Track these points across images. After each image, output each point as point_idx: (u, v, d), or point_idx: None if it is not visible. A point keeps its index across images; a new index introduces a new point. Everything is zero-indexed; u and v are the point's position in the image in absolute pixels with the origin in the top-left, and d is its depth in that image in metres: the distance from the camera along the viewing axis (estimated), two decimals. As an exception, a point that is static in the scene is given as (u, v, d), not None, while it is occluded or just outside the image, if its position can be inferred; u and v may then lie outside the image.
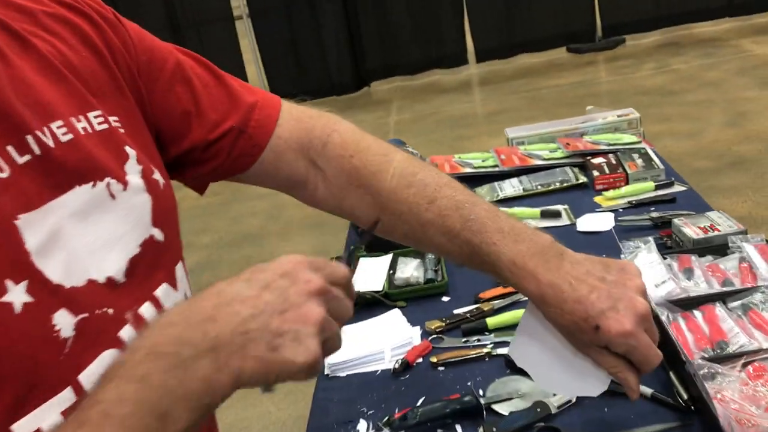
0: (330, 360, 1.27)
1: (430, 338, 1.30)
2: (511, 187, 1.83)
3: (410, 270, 1.50)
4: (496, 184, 1.87)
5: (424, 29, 7.03)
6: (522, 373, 1.10)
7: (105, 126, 0.68)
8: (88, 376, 0.60)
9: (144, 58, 0.75)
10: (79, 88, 0.67)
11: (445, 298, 1.43)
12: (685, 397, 1.02)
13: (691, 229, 1.35)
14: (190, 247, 4.30)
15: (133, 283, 0.66)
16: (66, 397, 0.59)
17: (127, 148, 0.69)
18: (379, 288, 1.46)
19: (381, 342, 1.30)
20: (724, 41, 6.32)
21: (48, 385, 0.58)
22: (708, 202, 1.61)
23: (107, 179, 0.66)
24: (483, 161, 1.99)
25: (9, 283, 0.56)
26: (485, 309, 1.34)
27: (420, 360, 1.25)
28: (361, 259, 1.57)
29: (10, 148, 0.60)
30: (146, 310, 0.67)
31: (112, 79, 0.71)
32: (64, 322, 0.60)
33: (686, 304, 1.15)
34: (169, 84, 0.78)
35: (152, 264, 0.69)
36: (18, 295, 0.57)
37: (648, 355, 0.75)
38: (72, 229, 0.62)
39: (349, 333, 1.34)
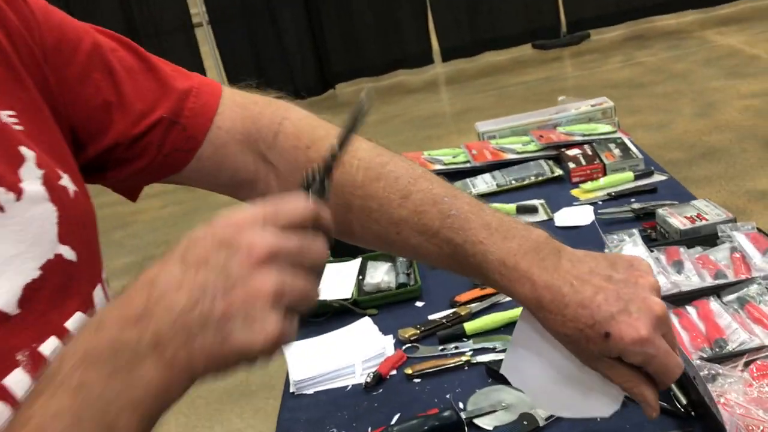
0: (295, 377, 1.16)
1: (404, 348, 1.20)
2: (484, 183, 1.74)
3: (380, 275, 1.40)
4: (468, 180, 1.78)
5: (388, 30, 6.95)
6: (505, 381, 1.00)
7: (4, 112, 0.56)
8: None
9: (51, 39, 0.63)
10: None
11: (419, 304, 1.34)
12: (684, 402, 0.93)
13: (677, 219, 1.27)
14: (152, 261, 4.16)
15: (31, 314, 0.53)
16: None
17: (23, 149, 0.56)
18: (348, 295, 1.35)
19: (351, 354, 1.19)
20: (688, 33, 6.33)
21: None
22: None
23: None
24: (454, 157, 1.90)
25: None
26: (462, 313, 1.24)
27: (394, 372, 1.15)
28: (327, 265, 1.47)
29: None
30: (50, 346, 0.54)
31: (6, 65, 0.59)
32: None
33: (678, 300, 1.07)
34: (85, 69, 0.65)
35: (60, 289, 0.56)
36: None
37: (668, 365, 0.63)
38: None
39: (316, 346, 1.24)
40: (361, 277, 1.41)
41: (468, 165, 1.83)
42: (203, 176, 0.74)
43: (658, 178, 1.61)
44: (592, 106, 1.96)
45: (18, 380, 0.51)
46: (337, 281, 1.40)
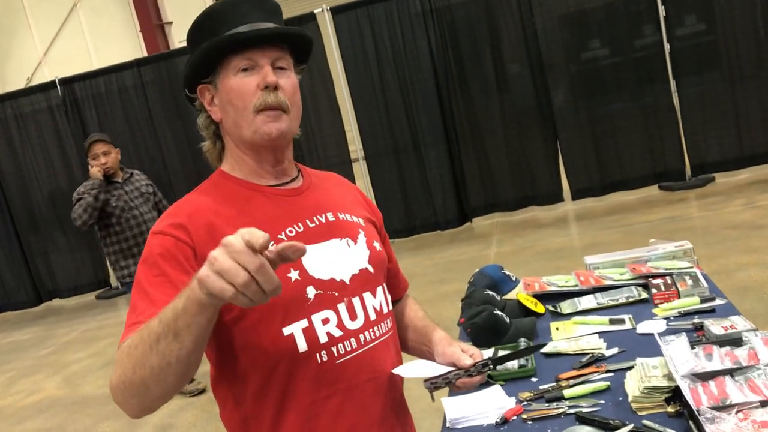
0: (451, 416, 1.80)
1: (521, 403, 1.81)
2: (587, 302, 2.35)
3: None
4: (576, 299, 2.39)
5: (521, 171, 7.69)
6: (585, 423, 1.60)
7: (360, 221, 1.40)
8: (316, 318, 1.25)
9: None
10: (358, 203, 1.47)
11: (534, 379, 1.94)
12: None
13: (716, 327, 1.83)
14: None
15: (352, 286, 1.31)
16: (303, 323, 1.24)
17: (360, 230, 1.37)
18: (485, 371, 1.99)
19: (487, 406, 1.82)
20: (811, 178, 6.63)
21: (295, 317, 1.23)
22: None
23: (347, 238, 1.34)
24: (566, 282, 2.52)
25: (291, 270, 1.23)
26: (563, 385, 1.84)
27: (515, 417, 1.76)
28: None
29: (317, 217, 1.33)
30: (354, 302, 1.30)
31: (369, 212, 1.47)
32: (311, 292, 1.25)
33: (705, 377, 1.63)
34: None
35: (364, 281, 1.33)
36: (294, 274, 1.24)
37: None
38: (330, 255, 1.29)
39: (466, 400, 1.87)
40: (494, 360, 2.04)
41: (576, 288, 2.44)
42: None
43: (718, 302, 2.16)
44: (675, 247, 2.54)
45: (344, 305, 1.29)
46: (478, 361, 2.04)
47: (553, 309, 2.37)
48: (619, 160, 7.49)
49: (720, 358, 1.71)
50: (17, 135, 8.71)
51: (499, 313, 2.22)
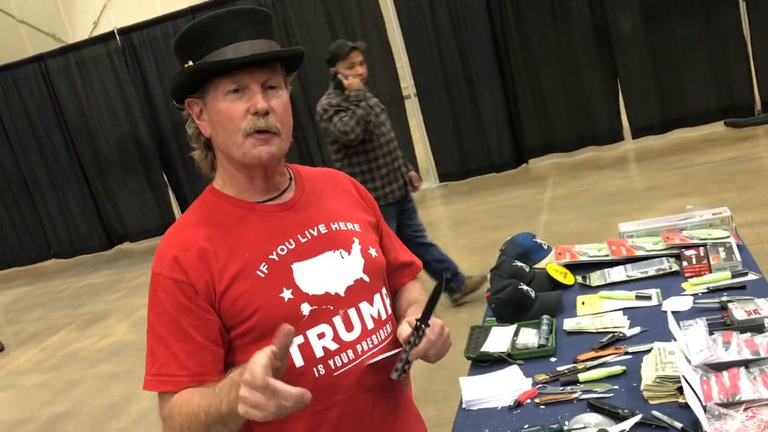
0: (466, 398, 1.83)
1: (536, 386, 1.83)
2: (617, 274, 2.32)
3: (529, 337, 2.04)
4: (606, 270, 2.36)
5: (579, 109, 7.47)
6: (595, 410, 1.62)
7: (356, 227, 1.43)
8: (311, 333, 1.29)
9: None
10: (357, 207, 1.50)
11: (553, 359, 1.95)
12: (704, 430, 1.48)
13: (739, 311, 1.79)
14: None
15: (347, 297, 1.34)
16: (299, 340, 1.29)
17: (354, 238, 1.40)
18: (505, 349, 2.00)
19: (502, 388, 1.84)
20: None
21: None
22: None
23: (340, 250, 1.37)
24: (598, 251, 2.49)
25: (284, 289, 1.27)
26: (579, 367, 1.85)
27: (528, 401, 1.79)
28: (494, 328, 2.14)
29: (309, 231, 1.35)
30: (351, 313, 1.33)
31: (357, 198, 1.50)
32: (306, 309, 1.29)
33: (718, 367, 1.61)
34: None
35: (359, 291, 1.36)
36: (287, 294, 1.28)
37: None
38: (324, 269, 1.32)
39: (482, 380, 1.90)
40: (515, 338, 2.05)
41: (607, 258, 2.41)
42: None
43: (751, 277, 2.10)
44: (713, 214, 2.46)
45: (338, 319, 1.32)
46: (498, 339, 2.06)
47: (582, 281, 2.35)
48: (682, 93, 7.19)
49: (738, 347, 1.68)
50: (80, 84, 8.97)
51: (525, 288, 2.22)
